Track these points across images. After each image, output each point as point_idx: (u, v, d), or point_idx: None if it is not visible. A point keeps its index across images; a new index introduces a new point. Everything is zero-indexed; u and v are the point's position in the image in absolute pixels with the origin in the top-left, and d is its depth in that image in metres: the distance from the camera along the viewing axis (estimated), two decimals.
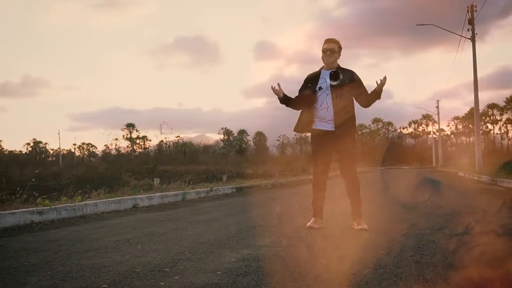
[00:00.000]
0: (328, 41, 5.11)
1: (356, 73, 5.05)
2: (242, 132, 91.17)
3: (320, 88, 5.04)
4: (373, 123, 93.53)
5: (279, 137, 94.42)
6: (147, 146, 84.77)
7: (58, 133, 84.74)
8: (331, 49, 5.03)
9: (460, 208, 7.07)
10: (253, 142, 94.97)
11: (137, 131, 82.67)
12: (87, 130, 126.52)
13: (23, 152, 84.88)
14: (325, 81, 5.03)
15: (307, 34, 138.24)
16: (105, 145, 77.50)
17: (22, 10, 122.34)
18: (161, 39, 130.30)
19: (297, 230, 4.93)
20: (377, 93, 4.87)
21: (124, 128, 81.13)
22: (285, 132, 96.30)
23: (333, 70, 5.04)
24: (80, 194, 8.82)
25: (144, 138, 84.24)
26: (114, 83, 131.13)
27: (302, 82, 5.28)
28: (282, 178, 19.62)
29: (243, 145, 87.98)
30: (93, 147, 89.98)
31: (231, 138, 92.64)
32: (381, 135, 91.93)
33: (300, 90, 5.21)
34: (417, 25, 24.58)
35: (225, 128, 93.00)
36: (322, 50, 5.06)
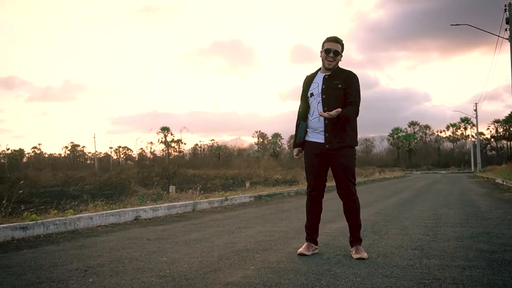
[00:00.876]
0: (331, 39, 4.36)
1: (356, 77, 4.35)
2: (276, 136, 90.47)
3: (312, 94, 4.39)
4: (409, 126, 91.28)
5: None
6: (181, 150, 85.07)
7: (94, 137, 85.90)
8: (336, 50, 4.33)
9: (487, 227, 6.26)
10: (288, 146, 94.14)
11: (171, 134, 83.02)
12: (125, 133, 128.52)
13: (62, 155, 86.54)
14: (317, 86, 4.37)
15: (344, 37, 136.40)
16: (141, 149, 77.87)
17: (63, 16, 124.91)
18: (197, 44, 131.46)
19: (286, 257, 4.27)
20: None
21: (159, 132, 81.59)
22: None
23: (328, 74, 4.38)
24: (78, 205, 8.38)
25: (179, 141, 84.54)
26: (151, 87, 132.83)
27: None
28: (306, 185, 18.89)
29: (277, 149, 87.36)
30: (129, 150, 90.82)
31: (265, 141, 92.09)
32: (418, 138, 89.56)
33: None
34: (451, 25, 23.44)
35: (259, 131, 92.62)
36: (325, 51, 4.34)
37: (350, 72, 4.37)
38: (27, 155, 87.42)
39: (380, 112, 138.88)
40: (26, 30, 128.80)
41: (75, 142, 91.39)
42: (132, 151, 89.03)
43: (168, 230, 6.54)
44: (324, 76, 4.37)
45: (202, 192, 11.59)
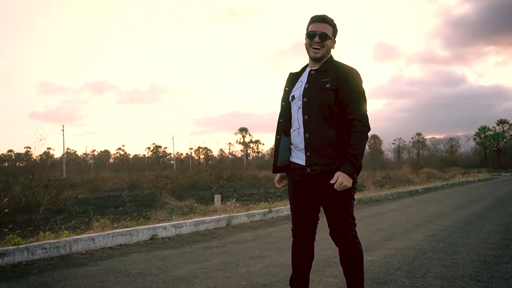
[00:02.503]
0: (316, 19, 3.11)
1: (354, 72, 3.05)
2: None
3: (293, 97, 3.17)
4: (497, 124, 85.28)
5: (394, 140, 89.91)
6: (260, 150, 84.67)
7: (172, 139, 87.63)
8: (323, 33, 3.07)
9: None
10: (368, 146, 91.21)
11: (250, 135, 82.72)
12: (207, 134, 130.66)
13: (145, 156, 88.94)
14: (301, 85, 3.15)
15: (428, 33, 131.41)
16: (220, 149, 78.31)
17: (147, 22, 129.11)
18: (279, 44, 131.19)
19: None
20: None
21: (237, 132, 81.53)
22: (402, 134, 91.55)
23: (314, 68, 3.14)
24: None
25: (257, 142, 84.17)
26: (234, 88, 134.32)
27: None
28: (374, 191, 17.34)
29: None
30: (209, 151, 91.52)
31: None
32: (508, 137, 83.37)
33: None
34: None
35: None
36: (308, 35, 3.11)
37: (346, 66, 3.08)
38: (112, 156, 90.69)
39: (467, 110, 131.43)
40: (114, 37, 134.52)
41: (160, 143, 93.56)
42: (212, 152, 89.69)
43: (167, 259, 5.52)
44: (310, 72, 3.14)
45: (259, 200, 10.49)
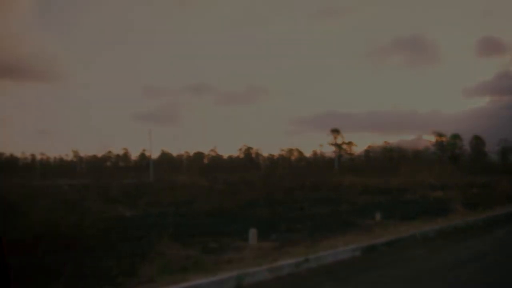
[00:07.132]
0: None
1: None
2: (455, 137, 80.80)
3: None
4: None
5: (500, 141, 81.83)
6: (352, 152, 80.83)
7: (261, 140, 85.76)
8: None
9: None
10: (470, 147, 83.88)
11: (342, 136, 78.79)
12: (302, 134, 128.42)
13: (239, 157, 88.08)
14: None
15: None
16: (313, 151, 75.53)
17: (243, 24, 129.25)
18: (376, 42, 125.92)
19: None
20: None
21: (329, 134, 78.03)
22: (509, 135, 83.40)
23: None
24: None
25: (350, 143, 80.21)
26: (329, 88, 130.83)
27: None
28: (461, 215, 14.01)
29: (456, 151, 78.20)
30: (301, 153, 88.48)
31: (444, 142, 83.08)
32: None
33: None
34: None
35: (437, 131, 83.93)
36: None
37: None
38: (207, 157, 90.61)
39: None
40: (212, 39, 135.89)
41: (253, 144, 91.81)
42: (303, 154, 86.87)
43: None
44: None
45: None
